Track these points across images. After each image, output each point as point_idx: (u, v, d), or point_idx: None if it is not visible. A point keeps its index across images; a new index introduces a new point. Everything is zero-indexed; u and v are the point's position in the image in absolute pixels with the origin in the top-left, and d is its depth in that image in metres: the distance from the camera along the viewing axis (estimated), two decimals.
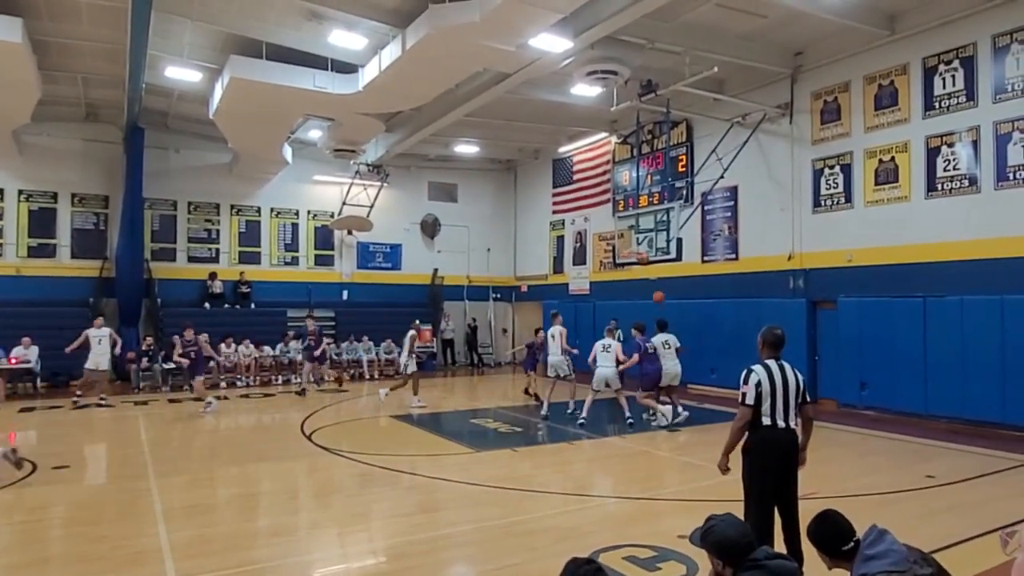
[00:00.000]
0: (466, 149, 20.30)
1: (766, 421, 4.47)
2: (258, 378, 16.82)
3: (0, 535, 5.83)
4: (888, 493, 6.86)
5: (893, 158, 11.97)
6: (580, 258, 19.97)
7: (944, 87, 11.23)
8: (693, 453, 9.01)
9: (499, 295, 22.91)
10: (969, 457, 8.47)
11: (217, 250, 18.94)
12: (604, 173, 18.90)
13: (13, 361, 14.50)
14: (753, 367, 4.53)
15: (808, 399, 4.65)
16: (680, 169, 16.04)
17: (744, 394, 4.48)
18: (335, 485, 7.75)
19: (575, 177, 20.05)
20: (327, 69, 12.48)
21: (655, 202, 14.55)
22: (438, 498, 7.09)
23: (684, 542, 5.39)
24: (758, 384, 4.46)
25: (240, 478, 7.89)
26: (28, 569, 5.04)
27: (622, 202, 17.68)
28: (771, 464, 4.45)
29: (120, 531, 5.80)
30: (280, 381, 17.07)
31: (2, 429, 11.38)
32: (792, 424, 4.51)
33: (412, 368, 13.10)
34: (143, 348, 15.99)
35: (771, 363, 4.56)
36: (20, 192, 16.89)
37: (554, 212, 20.99)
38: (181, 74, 13.17)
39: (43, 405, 13.29)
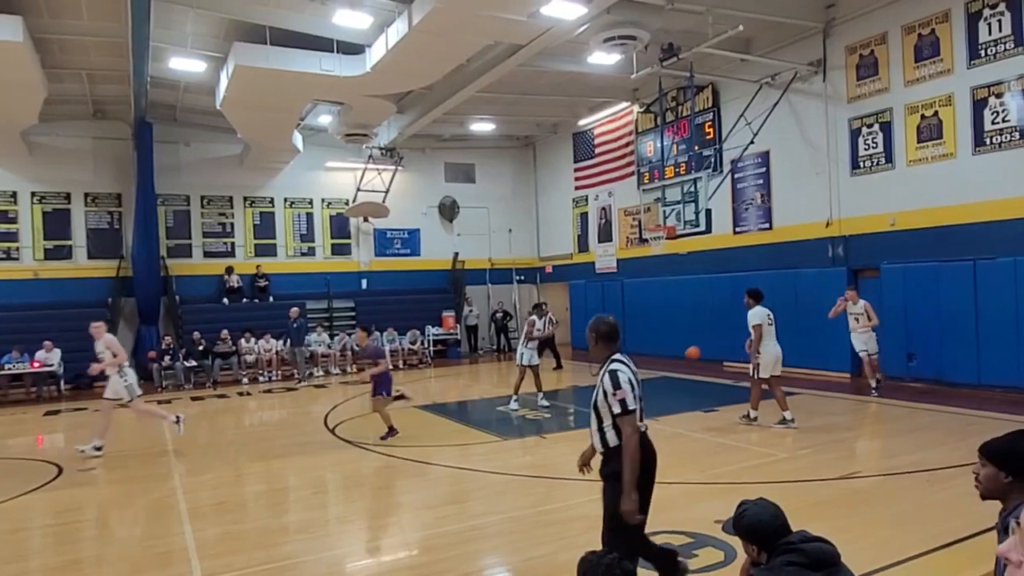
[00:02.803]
0: (482, 127, 20.21)
1: (642, 427, 3.82)
2: (280, 372, 17.11)
3: (31, 538, 6.05)
4: (939, 469, 6.74)
5: (936, 113, 11.62)
6: (606, 235, 19.84)
7: (990, 33, 10.84)
8: (729, 434, 8.95)
9: (523, 277, 22.88)
10: None
11: (232, 244, 19.21)
12: (627, 145, 18.69)
13: (36, 365, 14.93)
14: (616, 365, 3.79)
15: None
16: (707, 136, 15.79)
17: (623, 400, 3.68)
18: (360, 479, 7.86)
19: (597, 151, 19.87)
20: (333, 51, 12.48)
21: (682, 172, 14.34)
22: (466, 488, 7.15)
23: (719, 528, 5.38)
24: (631, 383, 3.75)
25: (265, 474, 8.05)
26: (58, 572, 5.22)
27: (647, 174, 17.43)
28: (652, 481, 3.87)
29: (146, 532, 5.98)
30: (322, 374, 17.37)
31: (28, 433, 11.78)
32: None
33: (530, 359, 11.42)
34: (163, 347, 16.32)
35: (624, 358, 3.90)
36: (33, 194, 17.28)
37: (577, 188, 20.84)
38: (185, 65, 13.29)
39: (67, 408, 13.69)
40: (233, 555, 5.32)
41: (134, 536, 5.85)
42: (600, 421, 3.82)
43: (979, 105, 11.03)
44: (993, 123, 10.88)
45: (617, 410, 3.69)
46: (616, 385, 3.69)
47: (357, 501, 6.93)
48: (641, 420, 3.81)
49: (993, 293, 10.63)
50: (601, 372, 3.84)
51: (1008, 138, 10.70)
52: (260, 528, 6.13)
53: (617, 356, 3.86)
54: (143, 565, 5.17)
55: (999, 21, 10.74)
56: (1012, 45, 10.59)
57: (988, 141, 10.94)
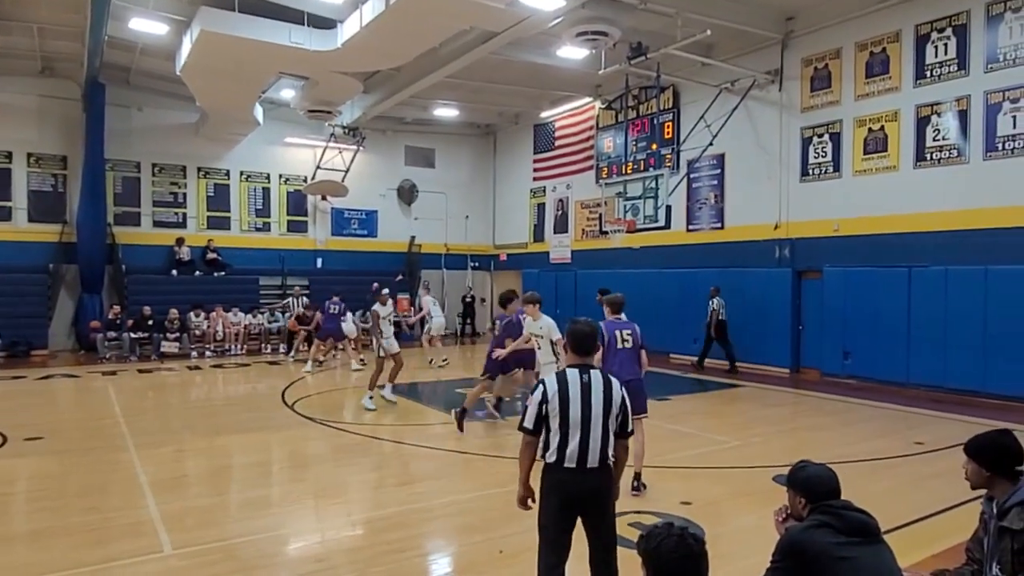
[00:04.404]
0: (445, 112, 19.98)
1: (552, 458, 3.35)
2: (245, 347, 16.64)
3: None
4: (878, 459, 7.09)
5: (883, 127, 12.12)
6: (561, 226, 19.94)
7: (936, 55, 11.35)
8: (682, 421, 9.17)
9: (477, 264, 22.82)
10: (954, 424, 8.76)
11: (184, 215, 18.46)
12: (588, 139, 18.80)
13: None
14: (545, 380, 3.46)
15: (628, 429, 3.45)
16: (667, 136, 16.02)
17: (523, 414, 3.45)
18: (326, 455, 7.72)
19: (557, 143, 19.92)
20: (303, 24, 12.09)
21: (640, 169, 14.56)
22: (437, 465, 7.13)
23: (688, 508, 5.53)
24: (543, 399, 3.36)
25: (225, 449, 7.83)
26: (24, 540, 4.98)
27: (606, 169, 17.64)
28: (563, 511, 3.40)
29: (109, 503, 5.72)
30: (269, 350, 16.91)
31: None
32: (608, 460, 3.39)
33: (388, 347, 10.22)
34: (110, 317, 15.60)
35: (573, 373, 3.39)
36: None
37: (535, 179, 20.86)
38: (146, 26, 12.62)
39: (4, 375, 12.91)
40: (203, 528, 5.16)
41: (96, 507, 5.58)
42: None
43: (922, 122, 11.56)
44: (934, 140, 11.42)
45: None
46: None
47: (326, 476, 6.79)
48: (566, 443, 3.30)
49: (925, 299, 11.20)
50: None
51: (946, 155, 11.25)
52: (229, 502, 5.96)
53: (566, 370, 3.45)
54: (109, 536, 4.95)
55: (945, 45, 11.26)
56: (955, 68, 11.12)
57: (928, 157, 11.49)
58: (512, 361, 8.62)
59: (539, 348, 7.81)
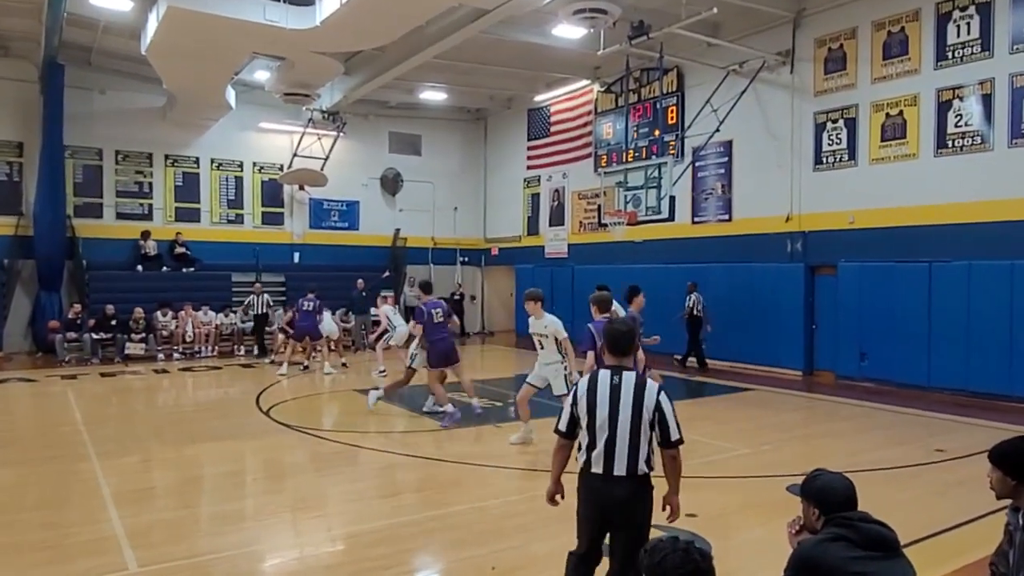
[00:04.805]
0: (432, 96, 19.94)
1: (581, 460, 3.48)
2: (216, 348, 16.57)
3: None
4: (898, 468, 7.12)
5: (901, 112, 12.16)
6: (558, 218, 19.95)
7: (958, 35, 11.39)
8: (686, 427, 9.10)
9: (467, 259, 22.79)
10: (978, 431, 8.80)
11: (150, 206, 18.36)
12: (586, 125, 18.80)
13: None
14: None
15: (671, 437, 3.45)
16: (670, 122, 16.03)
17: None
18: (304, 464, 7.69)
19: (553, 129, 19.90)
20: (279, 0, 12.01)
21: (642, 157, 14.55)
22: (422, 476, 7.11)
23: (694, 520, 5.52)
24: (573, 399, 3.51)
25: (195, 458, 7.79)
26: None
27: (605, 157, 17.59)
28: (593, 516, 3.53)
29: (68, 517, 5.69)
30: (243, 352, 16.85)
31: None
32: (638, 471, 3.40)
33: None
34: (70, 316, 15.50)
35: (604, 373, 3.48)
36: None
37: (529, 168, 20.85)
38: (109, 1, 12.52)
39: None
40: (172, 544, 5.12)
41: (54, 522, 5.54)
42: None
43: (943, 107, 11.60)
44: (956, 126, 11.46)
45: None
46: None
47: (303, 488, 6.77)
48: (592, 447, 3.40)
49: (946, 296, 11.25)
50: None
51: (969, 142, 11.30)
52: (199, 515, 5.93)
53: (599, 371, 3.54)
54: (68, 554, 4.92)
55: (968, 24, 11.29)
56: (978, 49, 11.16)
57: (950, 144, 11.53)
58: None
59: (541, 348, 7.81)
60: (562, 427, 3.52)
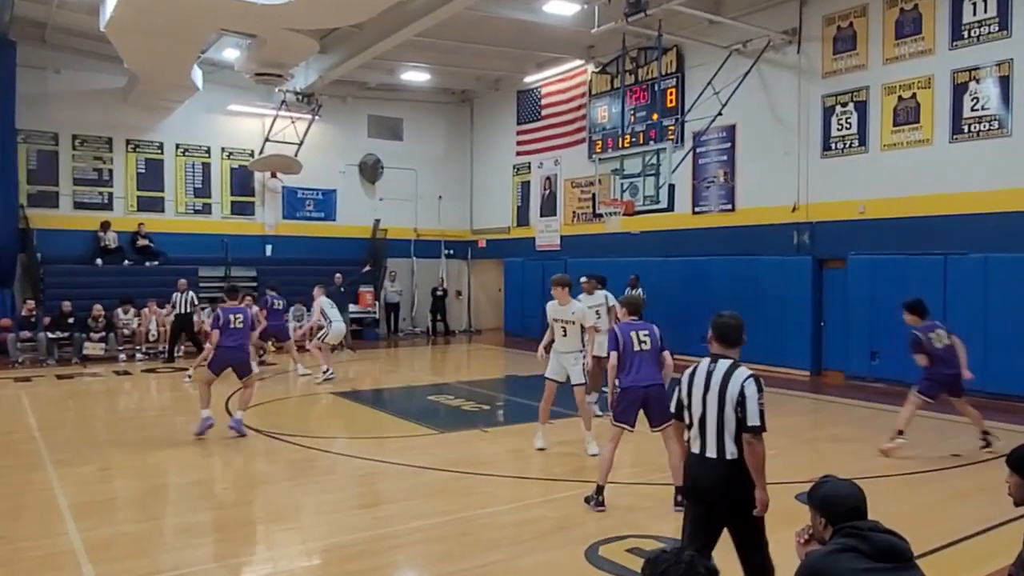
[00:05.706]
0: (414, 77, 19.87)
1: (686, 438, 4.11)
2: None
3: None
4: (913, 473, 7.18)
5: (914, 95, 12.21)
6: (549, 208, 19.94)
7: (975, 14, 11.43)
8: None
9: (452, 251, 22.77)
10: (995, 434, 8.85)
11: (110, 195, 18.25)
12: (579, 108, 18.80)
13: None
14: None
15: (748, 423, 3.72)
16: (669, 105, 16.05)
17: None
18: (277, 473, 7.66)
19: (544, 112, 19.89)
20: None
21: (639, 142, 14.57)
22: (405, 486, 7.09)
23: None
24: (678, 387, 4.11)
25: (159, 466, 7.73)
26: None
27: (600, 142, 17.64)
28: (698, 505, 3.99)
29: (21, 531, 5.64)
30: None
31: None
32: (726, 453, 3.79)
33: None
34: (24, 314, 15.36)
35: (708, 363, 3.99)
36: None
37: (519, 154, 20.84)
38: None
39: None
40: (134, 559, 5.10)
41: (5, 536, 5.48)
42: None
43: (959, 90, 11.66)
44: (972, 110, 11.52)
45: None
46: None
47: (276, 498, 6.74)
48: (691, 427, 3.96)
49: (962, 291, 11.32)
50: None
51: (986, 127, 11.36)
52: (163, 528, 5.89)
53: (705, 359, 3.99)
54: (21, 570, 4.88)
55: (984, 1, 11.35)
56: (996, 28, 11.22)
57: (966, 129, 11.59)
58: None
59: (564, 335, 7.92)
60: (672, 409, 4.11)
